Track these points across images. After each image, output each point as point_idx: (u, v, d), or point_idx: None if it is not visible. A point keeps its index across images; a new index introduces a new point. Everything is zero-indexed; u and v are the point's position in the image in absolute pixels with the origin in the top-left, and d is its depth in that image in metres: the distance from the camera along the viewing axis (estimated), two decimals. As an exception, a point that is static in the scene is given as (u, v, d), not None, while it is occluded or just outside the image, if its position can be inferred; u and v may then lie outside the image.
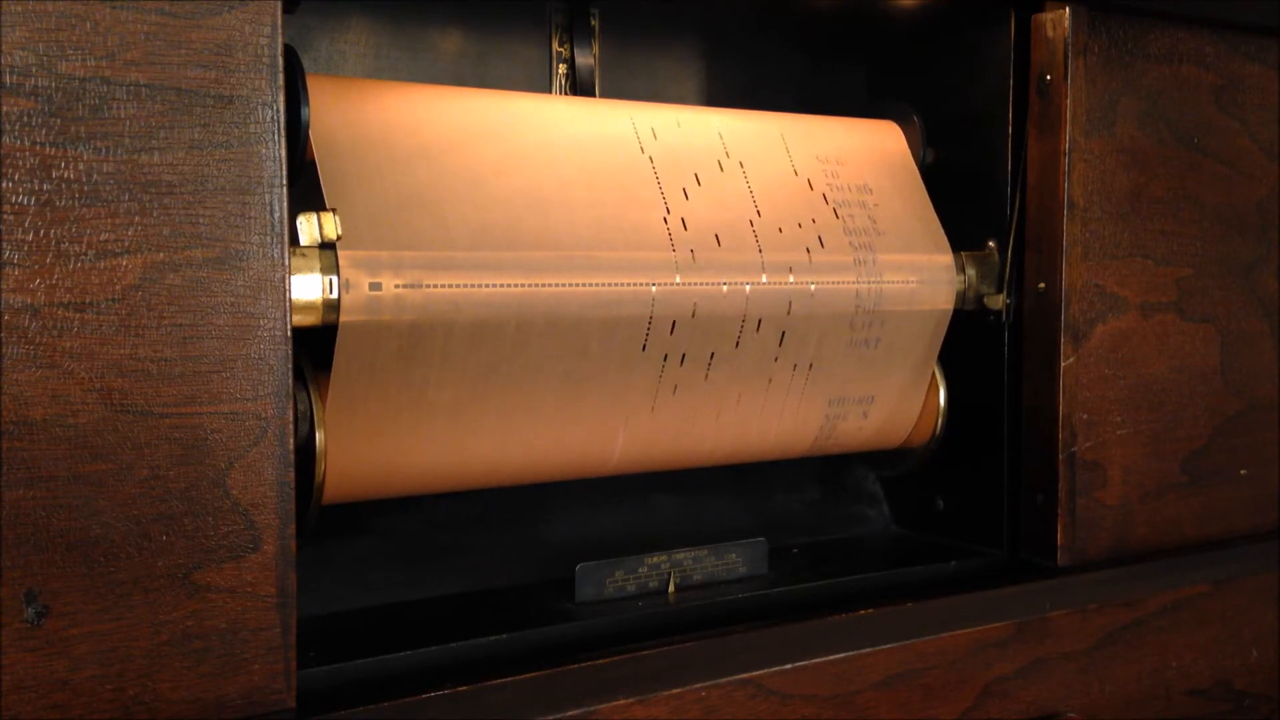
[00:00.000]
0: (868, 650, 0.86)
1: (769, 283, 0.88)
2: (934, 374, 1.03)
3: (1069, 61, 0.95)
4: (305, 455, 0.74)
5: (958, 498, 1.06)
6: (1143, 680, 1.02)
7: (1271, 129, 1.09)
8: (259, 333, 0.64)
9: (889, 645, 0.87)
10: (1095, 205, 0.97)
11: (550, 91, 1.00)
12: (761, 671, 0.81)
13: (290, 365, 0.65)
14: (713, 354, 0.88)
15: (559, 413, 0.84)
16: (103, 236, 0.60)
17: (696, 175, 0.90)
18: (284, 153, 0.64)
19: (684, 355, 0.86)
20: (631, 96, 1.04)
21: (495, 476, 0.85)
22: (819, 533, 1.09)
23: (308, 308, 0.71)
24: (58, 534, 0.59)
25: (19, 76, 0.57)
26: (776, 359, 0.91)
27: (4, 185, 0.57)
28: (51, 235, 0.58)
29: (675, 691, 0.77)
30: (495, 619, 0.82)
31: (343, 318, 0.72)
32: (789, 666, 0.82)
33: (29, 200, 0.58)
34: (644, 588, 0.88)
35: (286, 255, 0.64)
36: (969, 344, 1.02)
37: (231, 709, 0.64)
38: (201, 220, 0.62)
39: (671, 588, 0.89)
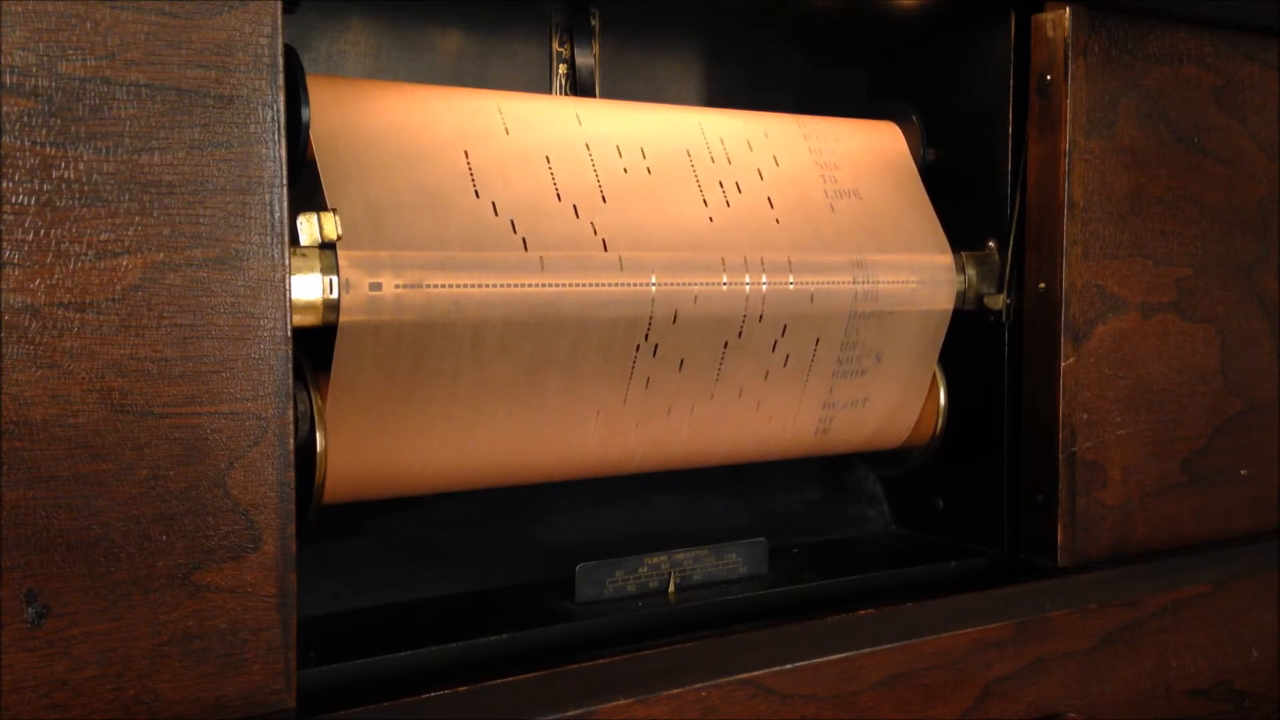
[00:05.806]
0: (868, 650, 0.86)
1: (768, 282, 0.88)
2: (934, 374, 1.03)
3: (1069, 61, 0.95)
4: (305, 455, 0.74)
5: (958, 498, 1.06)
6: (1143, 680, 1.02)
7: (1271, 129, 1.09)
8: (259, 333, 0.64)
9: (889, 645, 0.87)
10: (1095, 205, 0.97)
11: (550, 91, 1.00)
12: (762, 671, 0.81)
13: (290, 365, 0.65)
14: (713, 353, 0.88)
15: (561, 412, 0.84)
16: (103, 236, 0.60)
17: (697, 176, 0.90)
18: (284, 153, 0.64)
19: (683, 356, 0.86)
20: (631, 96, 1.04)
21: (496, 476, 0.85)
22: (819, 533, 1.09)
23: (308, 308, 0.71)
24: (58, 534, 0.59)
25: (19, 76, 0.57)
26: (775, 355, 0.91)
27: (4, 185, 0.57)
28: (51, 235, 0.58)
29: (675, 691, 0.77)
30: (495, 619, 0.82)
31: (343, 318, 0.72)
32: (789, 666, 0.82)
33: (29, 200, 0.58)
34: (644, 588, 0.88)
35: (286, 255, 0.64)
36: (969, 344, 1.02)
37: (231, 709, 0.64)
38: (201, 220, 0.62)
39: (671, 588, 0.89)
